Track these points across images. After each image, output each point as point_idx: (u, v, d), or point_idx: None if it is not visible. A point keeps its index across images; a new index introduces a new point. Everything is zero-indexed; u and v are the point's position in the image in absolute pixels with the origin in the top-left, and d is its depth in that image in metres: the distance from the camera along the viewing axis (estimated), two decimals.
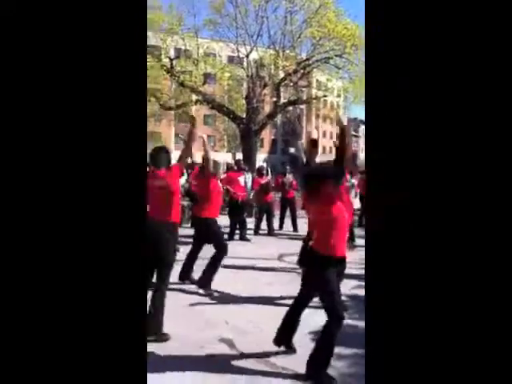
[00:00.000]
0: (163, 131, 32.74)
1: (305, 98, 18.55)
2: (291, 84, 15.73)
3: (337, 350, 2.71)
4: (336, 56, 13.88)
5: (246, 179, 8.74)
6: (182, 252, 4.42)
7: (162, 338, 3.17)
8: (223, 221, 5.93)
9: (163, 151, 3.49)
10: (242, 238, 7.46)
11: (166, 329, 3.22)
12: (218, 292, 4.39)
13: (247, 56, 14.94)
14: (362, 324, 1.54)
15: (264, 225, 8.24)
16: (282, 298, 4.13)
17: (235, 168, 8.55)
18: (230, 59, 17.22)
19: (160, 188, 3.28)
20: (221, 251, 4.51)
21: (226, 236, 5.93)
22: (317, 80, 18.40)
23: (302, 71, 15.14)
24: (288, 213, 8.61)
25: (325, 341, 2.64)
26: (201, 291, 4.40)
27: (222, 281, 4.49)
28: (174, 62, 13.64)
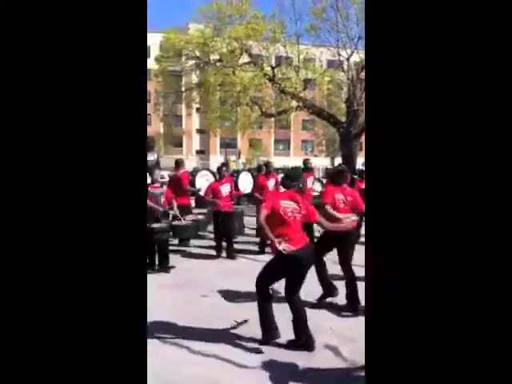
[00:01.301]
0: (263, 138, 33.57)
1: None
2: None
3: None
4: None
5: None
6: None
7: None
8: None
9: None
10: None
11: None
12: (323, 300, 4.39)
13: (348, 59, 14.70)
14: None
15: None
16: None
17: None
18: (330, 63, 17.08)
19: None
20: None
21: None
22: None
23: None
24: None
25: None
26: (305, 300, 4.43)
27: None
28: (276, 70, 13.93)
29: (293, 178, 3.35)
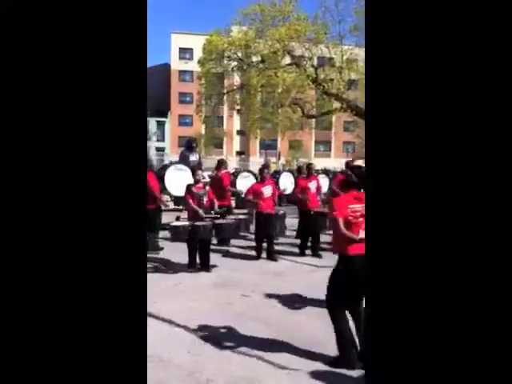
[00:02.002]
0: (304, 139, 33.39)
1: None
2: None
3: None
4: None
5: None
6: None
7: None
8: None
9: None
10: None
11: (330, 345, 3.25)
12: None
13: None
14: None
15: None
16: None
17: None
18: None
19: None
20: None
21: None
22: None
23: None
24: None
25: None
26: None
27: None
28: (318, 71, 13.81)
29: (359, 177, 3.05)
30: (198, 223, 5.61)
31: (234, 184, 8.34)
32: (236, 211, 8.28)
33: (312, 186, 6.99)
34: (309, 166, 7.50)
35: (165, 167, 8.49)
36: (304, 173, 7.51)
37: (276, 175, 9.58)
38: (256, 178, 8.23)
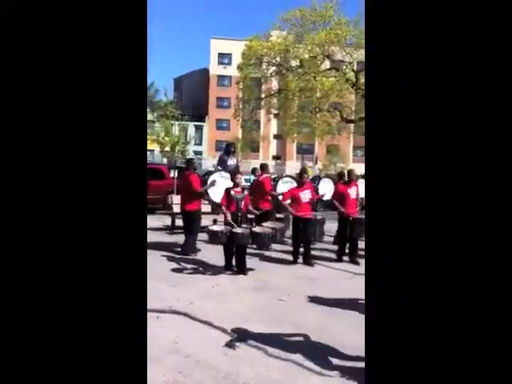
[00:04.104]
0: (341, 144, 33.01)
1: None
2: None
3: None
4: None
5: None
6: None
7: None
8: None
9: None
10: None
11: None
12: None
13: None
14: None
15: None
16: None
17: None
18: None
19: None
20: None
21: None
22: None
23: None
24: None
25: None
26: None
27: None
28: (358, 75, 13.64)
29: None
30: (236, 230, 5.65)
31: (274, 190, 8.34)
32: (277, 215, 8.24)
33: (352, 192, 6.90)
34: (350, 172, 7.38)
35: (209, 173, 8.62)
36: (344, 179, 7.41)
37: (315, 181, 9.46)
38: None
